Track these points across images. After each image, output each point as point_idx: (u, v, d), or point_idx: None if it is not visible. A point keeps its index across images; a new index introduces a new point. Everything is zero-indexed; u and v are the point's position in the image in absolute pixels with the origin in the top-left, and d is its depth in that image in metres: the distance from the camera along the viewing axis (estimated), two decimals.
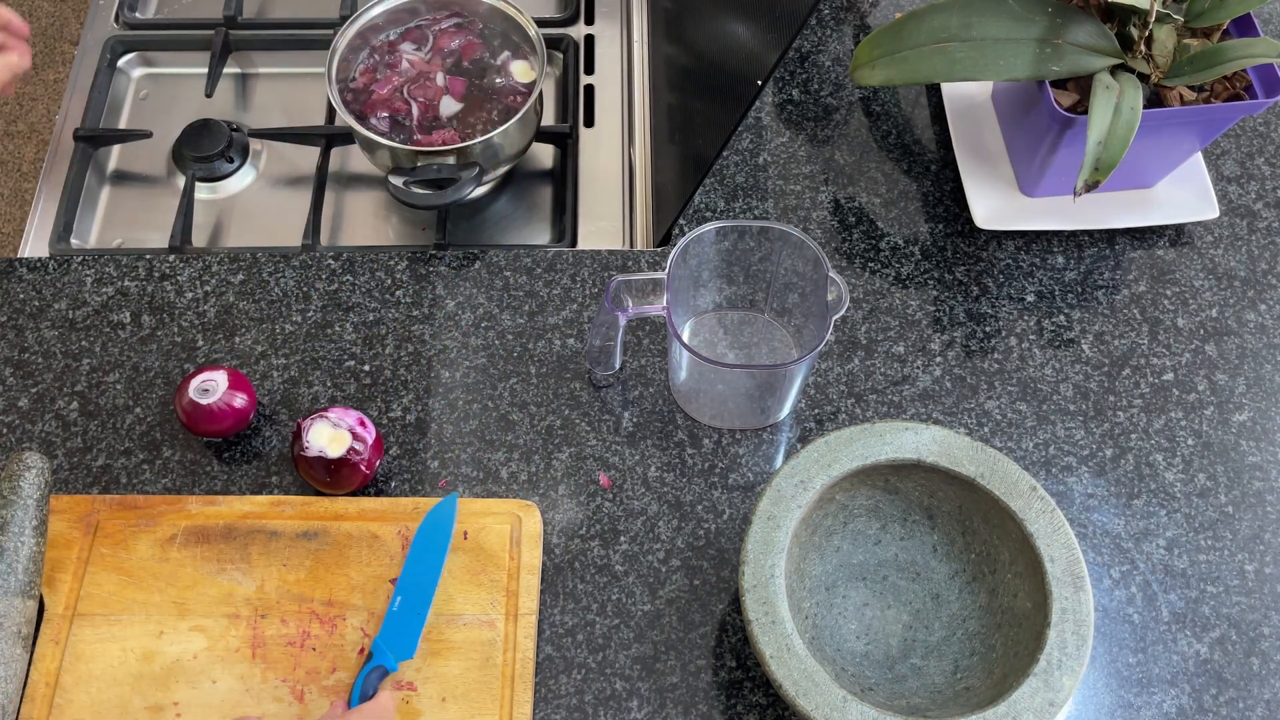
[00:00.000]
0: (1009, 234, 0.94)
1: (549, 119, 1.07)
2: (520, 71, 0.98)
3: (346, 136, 1.03)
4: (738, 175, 0.97)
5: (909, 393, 0.86)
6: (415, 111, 0.95)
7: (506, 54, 0.99)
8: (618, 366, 0.84)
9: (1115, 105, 0.79)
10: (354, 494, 0.80)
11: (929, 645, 0.74)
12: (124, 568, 0.77)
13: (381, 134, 0.93)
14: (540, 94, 0.96)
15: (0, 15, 0.87)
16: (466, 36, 0.99)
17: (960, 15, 0.83)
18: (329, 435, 0.77)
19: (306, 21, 1.11)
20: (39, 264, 0.91)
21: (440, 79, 0.96)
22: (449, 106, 0.96)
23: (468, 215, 1.01)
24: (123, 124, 1.06)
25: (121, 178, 1.03)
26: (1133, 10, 0.81)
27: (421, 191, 0.92)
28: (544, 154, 1.05)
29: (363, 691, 0.71)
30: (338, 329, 0.88)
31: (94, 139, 1.02)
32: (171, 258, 0.92)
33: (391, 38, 0.99)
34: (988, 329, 0.90)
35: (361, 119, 0.94)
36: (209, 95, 1.06)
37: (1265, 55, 0.79)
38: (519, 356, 0.87)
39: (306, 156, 1.02)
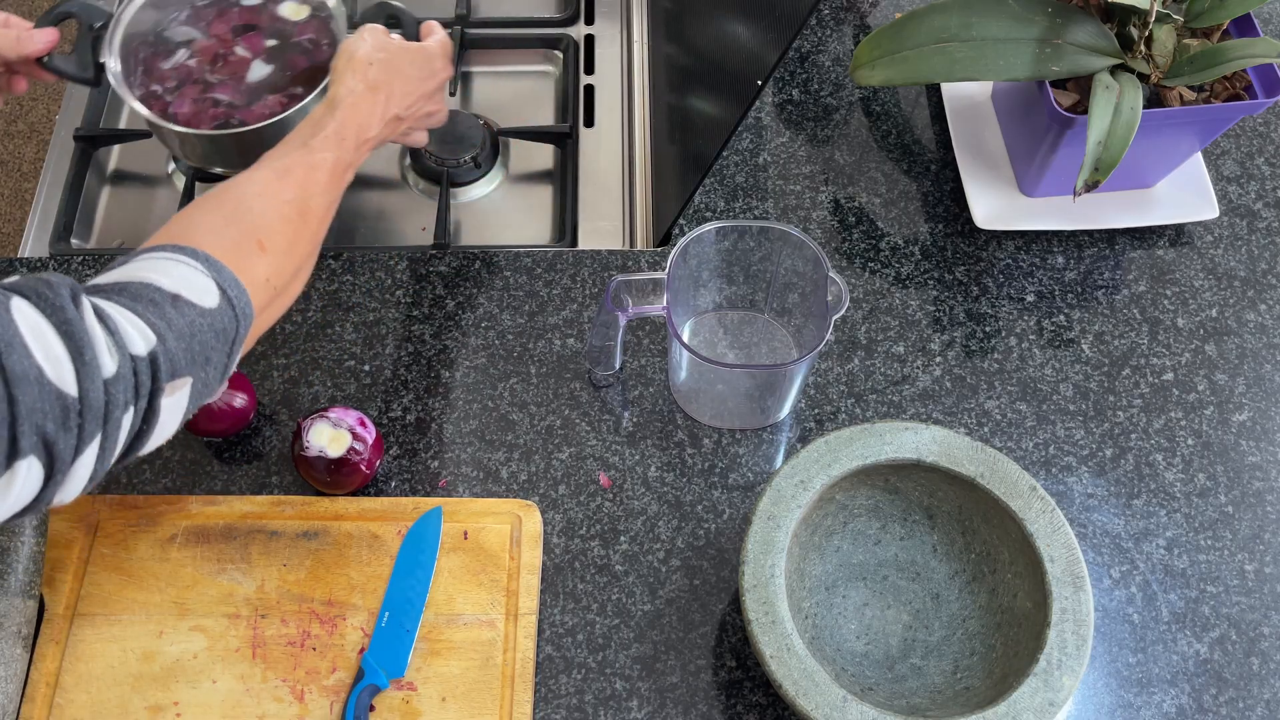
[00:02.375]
0: (1009, 234, 0.94)
1: (549, 119, 1.07)
2: (290, 10, 0.92)
3: None
4: (738, 175, 0.97)
5: (909, 393, 0.86)
6: (229, 94, 0.89)
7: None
8: (618, 366, 0.84)
9: (1115, 105, 0.79)
10: (354, 494, 0.80)
11: (929, 645, 0.74)
12: (124, 567, 0.77)
13: (216, 129, 0.86)
14: (334, 28, 0.91)
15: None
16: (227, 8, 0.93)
17: (960, 15, 0.83)
18: (329, 435, 0.77)
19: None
20: (39, 264, 0.91)
21: (241, 50, 0.90)
22: (259, 71, 0.90)
23: (468, 215, 1.01)
24: (123, 124, 1.06)
25: (121, 178, 1.03)
26: (1133, 10, 0.81)
27: None
28: (544, 154, 1.05)
29: (355, 713, 0.71)
30: (338, 329, 0.88)
31: (94, 139, 1.02)
32: None
33: (168, 38, 0.91)
34: (988, 329, 0.90)
35: (193, 123, 0.88)
36: None
37: (1265, 55, 0.79)
38: (519, 356, 0.87)
39: None
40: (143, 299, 0.55)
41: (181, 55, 0.90)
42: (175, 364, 0.55)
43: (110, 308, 0.54)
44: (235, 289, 0.59)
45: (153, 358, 0.54)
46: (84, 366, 0.50)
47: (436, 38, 0.85)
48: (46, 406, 0.48)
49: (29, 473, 0.49)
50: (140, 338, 0.53)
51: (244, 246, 0.62)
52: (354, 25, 0.92)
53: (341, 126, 0.73)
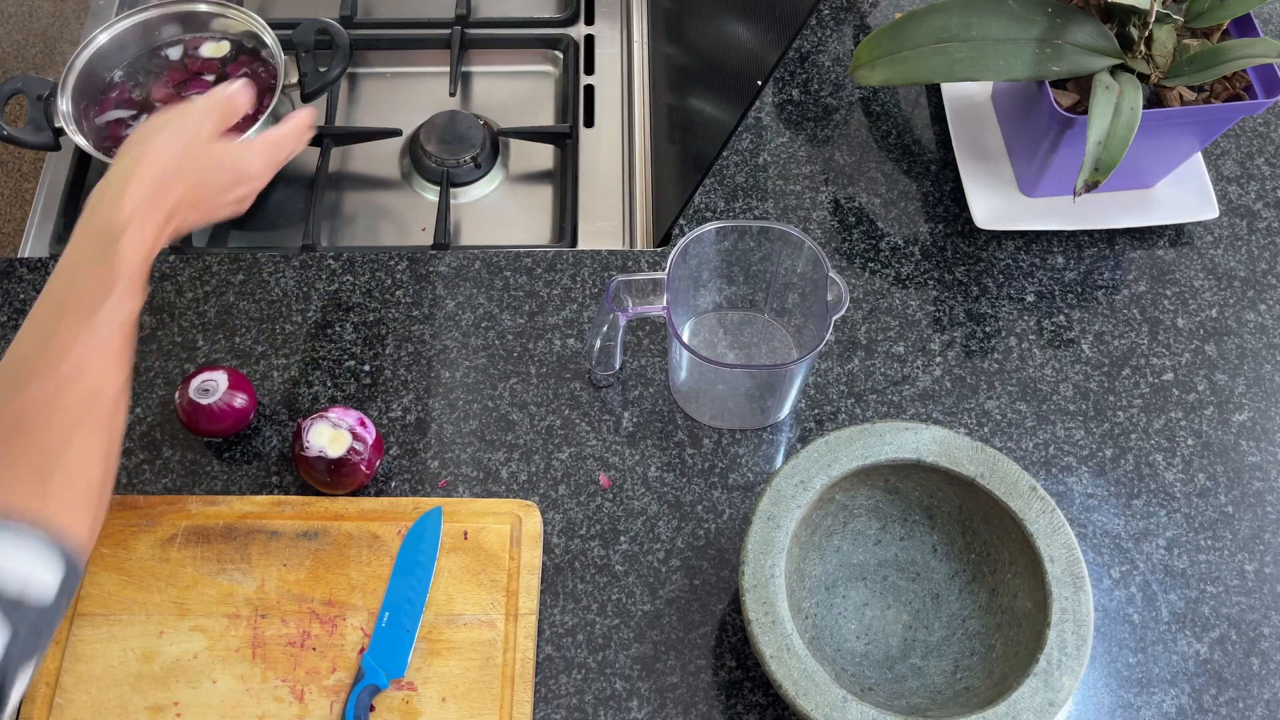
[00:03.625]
0: (1009, 234, 0.94)
1: (549, 119, 1.07)
2: (212, 50, 1.00)
3: (347, 137, 1.03)
4: (738, 175, 0.97)
5: (909, 393, 0.87)
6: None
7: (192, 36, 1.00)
8: (618, 366, 0.84)
9: (1115, 105, 0.79)
10: (354, 494, 0.80)
11: (929, 645, 0.74)
12: (124, 568, 0.77)
13: None
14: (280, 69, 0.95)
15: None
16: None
17: (960, 15, 0.83)
18: (329, 435, 0.77)
19: (285, 21, 1.11)
20: (39, 264, 0.91)
21: (211, 78, 0.98)
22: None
23: (468, 215, 1.01)
24: None
25: None
26: (1133, 10, 0.81)
27: None
28: (544, 154, 1.05)
29: (355, 713, 0.71)
30: (338, 329, 0.88)
31: None
32: (171, 258, 0.92)
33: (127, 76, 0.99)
34: (988, 329, 0.90)
35: None
36: None
37: (1265, 55, 0.79)
38: (519, 356, 0.87)
39: (307, 156, 1.02)
40: None
41: (140, 122, 0.97)
42: (23, 656, 0.53)
43: None
44: (73, 561, 0.56)
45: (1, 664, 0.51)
46: None
47: (281, 129, 0.76)
48: None
49: None
50: None
51: (47, 483, 0.57)
52: (292, 46, 0.95)
53: (130, 268, 0.63)
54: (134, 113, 0.97)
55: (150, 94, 0.98)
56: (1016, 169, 0.94)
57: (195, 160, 0.69)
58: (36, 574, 0.54)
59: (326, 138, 1.01)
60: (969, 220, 0.94)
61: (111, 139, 0.96)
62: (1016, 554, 0.71)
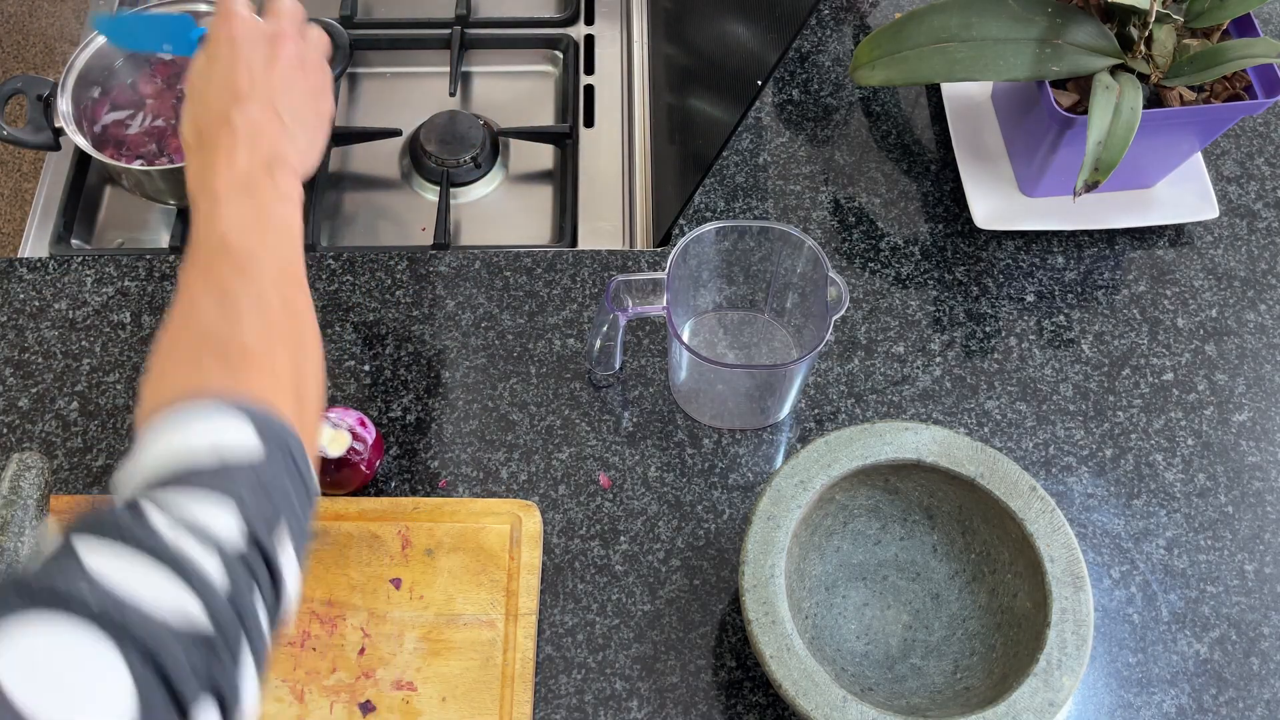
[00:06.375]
0: (1009, 234, 0.94)
1: (549, 119, 1.07)
2: None
3: (347, 137, 1.03)
4: (738, 175, 0.97)
5: (909, 393, 0.87)
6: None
7: None
8: (618, 366, 0.84)
9: (1115, 105, 0.79)
10: (354, 494, 0.80)
11: (929, 645, 0.74)
12: None
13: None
14: None
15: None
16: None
17: (960, 15, 0.83)
18: (329, 435, 0.77)
19: None
20: (39, 264, 0.91)
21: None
22: None
23: (468, 215, 1.01)
24: None
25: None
26: (1133, 10, 0.81)
27: None
28: (544, 154, 1.05)
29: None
30: (338, 329, 0.88)
31: None
32: (171, 258, 0.92)
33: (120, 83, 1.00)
34: (988, 329, 0.90)
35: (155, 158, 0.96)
36: None
37: (1265, 55, 0.79)
38: (519, 356, 0.87)
39: None
40: (195, 480, 0.48)
41: (138, 120, 0.98)
42: (269, 521, 0.49)
43: (171, 502, 0.47)
44: (261, 417, 0.52)
45: (253, 539, 0.48)
46: (200, 590, 0.44)
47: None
48: (189, 656, 0.43)
49: (206, 715, 0.43)
50: (225, 527, 0.47)
51: (234, 364, 0.54)
52: None
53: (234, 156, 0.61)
54: (132, 112, 0.97)
55: (141, 91, 0.98)
56: (1016, 169, 0.94)
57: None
58: (225, 437, 0.50)
59: None
60: (969, 220, 0.94)
61: (111, 139, 0.96)
62: (1016, 554, 0.71)
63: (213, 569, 0.45)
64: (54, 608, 0.41)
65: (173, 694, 0.42)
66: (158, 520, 0.45)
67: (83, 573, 0.42)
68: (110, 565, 0.43)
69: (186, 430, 0.50)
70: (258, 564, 0.48)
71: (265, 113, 0.64)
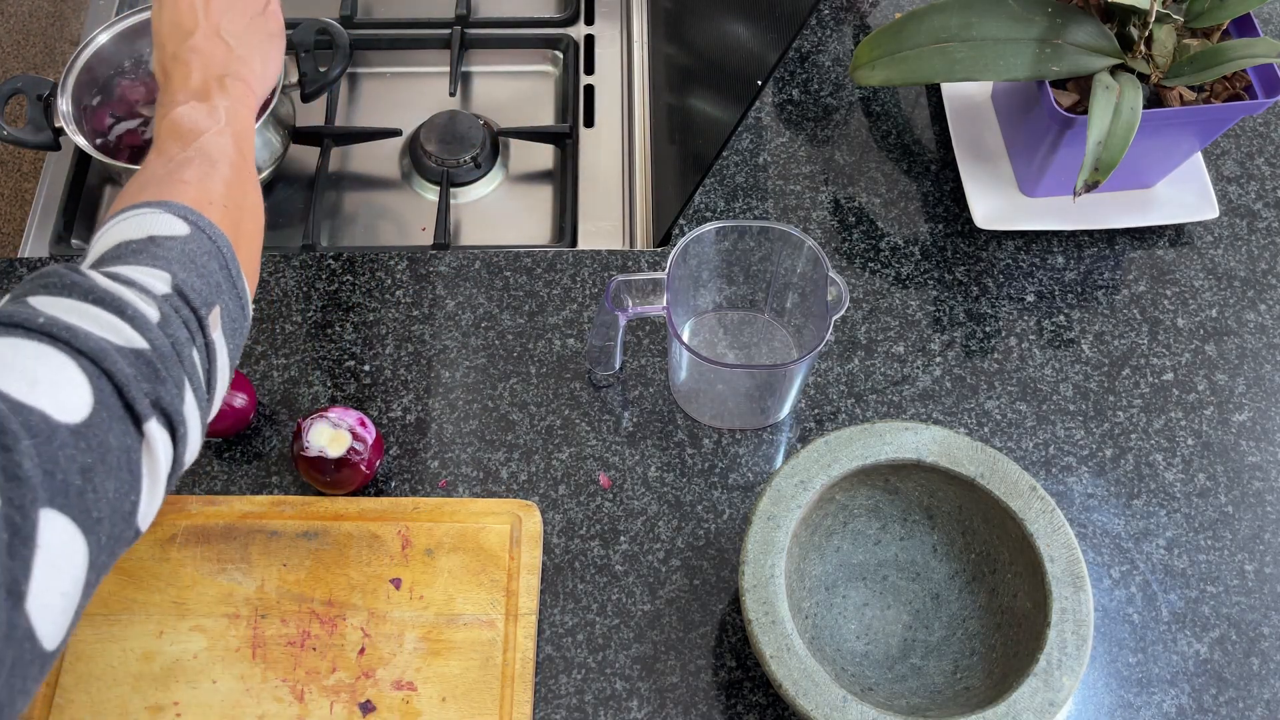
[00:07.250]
0: (1009, 234, 0.94)
1: (549, 119, 1.07)
2: None
3: (347, 136, 1.03)
4: (738, 175, 0.97)
5: (909, 393, 0.87)
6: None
7: None
8: (618, 366, 0.84)
9: (1115, 105, 0.79)
10: (354, 494, 0.80)
11: (929, 645, 0.74)
12: (124, 567, 0.77)
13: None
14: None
15: None
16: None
17: (960, 15, 0.83)
18: (329, 435, 0.77)
19: (285, 21, 1.11)
20: (39, 264, 0.91)
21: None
22: None
23: (468, 215, 1.01)
24: None
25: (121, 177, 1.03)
26: (1133, 10, 0.81)
27: None
28: (544, 154, 1.05)
29: None
30: (338, 329, 0.88)
31: None
32: None
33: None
34: (988, 329, 0.90)
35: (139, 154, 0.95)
36: None
37: (1265, 55, 0.79)
38: (519, 356, 0.87)
39: (307, 155, 1.02)
40: (128, 253, 0.55)
41: (138, 121, 0.97)
42: (197, 290, 0.55)
43: (111, 268, 0.54)
44: (191, 213, 0.58)
45: (177, 289, 0.54)
46: (134, 320, 0.51)
47: None
48: (134, 369, 0.49)
49: (160, 436, 0.50)
50: (155, 279, 0.54)
51: (173, 183, 0.61)
52: (292, 45, 0.95)
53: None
54: (135, 116, 0.97)
55: (128, 94, 0.98)
56: (1016, 169, 0.94)
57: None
58: (157, 226, 0.57)
59: (326, 138, 1.02)
60: (969, 220, 0.94)
61: (112, 140, 0.96)
62: (1016, 554, 0.71)
63: (148, 310, 0.52)
64: (9, 327, 0.48)
65: (124, 401, 0.48)
66: (95, 276, 0.52)
67: (32, 309, 0.49)
68: (56, 305, 0.49)
69: (123, 225, 0.57)
70: (185, 312, 0.54)
71: (211, 41, 0.72)
